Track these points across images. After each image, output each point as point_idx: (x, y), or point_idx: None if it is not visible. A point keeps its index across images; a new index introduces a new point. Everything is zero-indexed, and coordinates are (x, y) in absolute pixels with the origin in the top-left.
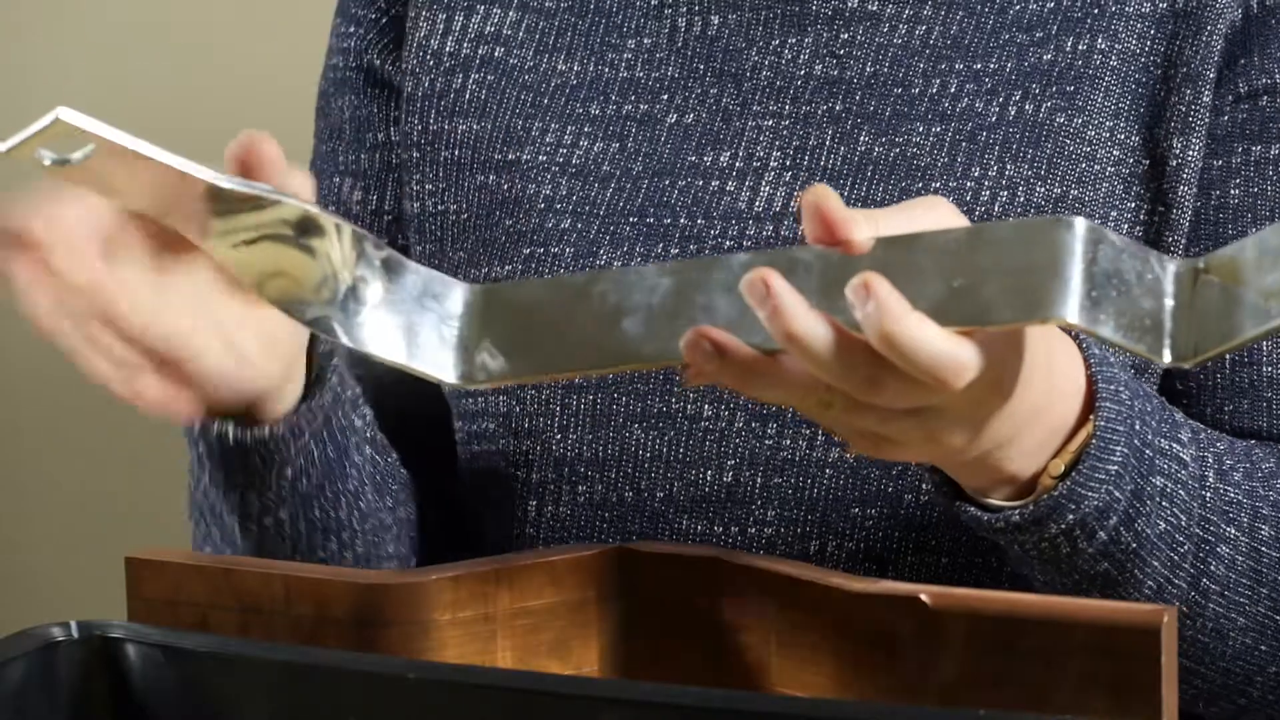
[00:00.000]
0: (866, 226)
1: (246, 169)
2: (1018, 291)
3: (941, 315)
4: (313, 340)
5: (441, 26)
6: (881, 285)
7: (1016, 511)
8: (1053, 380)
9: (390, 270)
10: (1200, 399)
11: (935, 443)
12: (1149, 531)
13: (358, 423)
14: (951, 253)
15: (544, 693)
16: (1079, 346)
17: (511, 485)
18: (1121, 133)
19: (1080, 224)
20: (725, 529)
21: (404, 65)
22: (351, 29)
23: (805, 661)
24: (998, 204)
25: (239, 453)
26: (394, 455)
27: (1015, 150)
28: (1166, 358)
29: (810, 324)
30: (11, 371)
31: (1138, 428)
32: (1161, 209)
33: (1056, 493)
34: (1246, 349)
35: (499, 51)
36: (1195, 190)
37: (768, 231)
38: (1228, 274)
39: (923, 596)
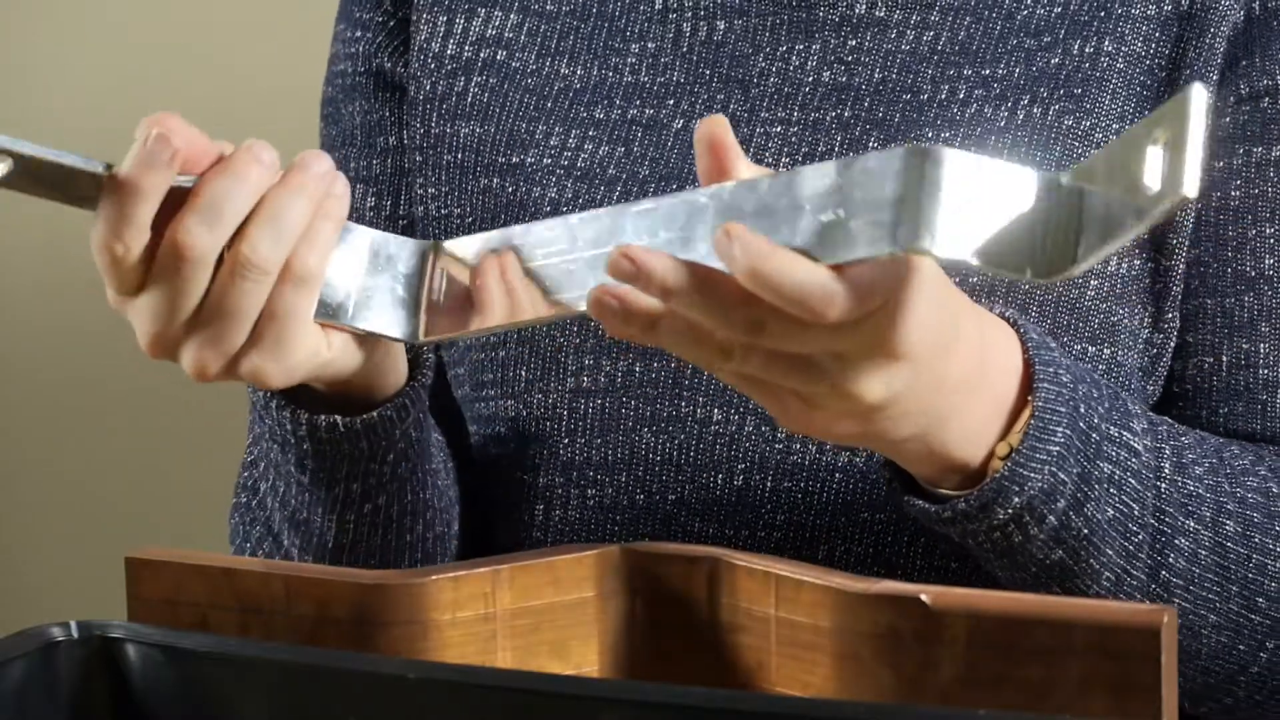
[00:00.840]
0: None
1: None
2: (880, 224)
3: (812, 250)
4: None
5: (443, 29)
6: (741, 229)
7: (962, 499)
8: (985, 354)
9: (341, 236)
10: (1196, 401)
11: (848, 398)
12: (1099, 517)
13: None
14: (822, 190)
15: (544, 693)
16: (1015, 329)
17: (520, 489)
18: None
19: (941, 153)
20: (735, 533)
21: (409, 68)
22: (358, 34)
23: (805, 661)
24: None
25: (349, 439)
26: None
27: (1024, 154)
28: (1028, 275)
29: (678, 272)
30: (11, 371)
31: (1082, 410)
32: None
33: (999, 475)
34: (1244, 353)
35: (501, 55)
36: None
37: None
38: (1088, 183)
39: (923, 596)
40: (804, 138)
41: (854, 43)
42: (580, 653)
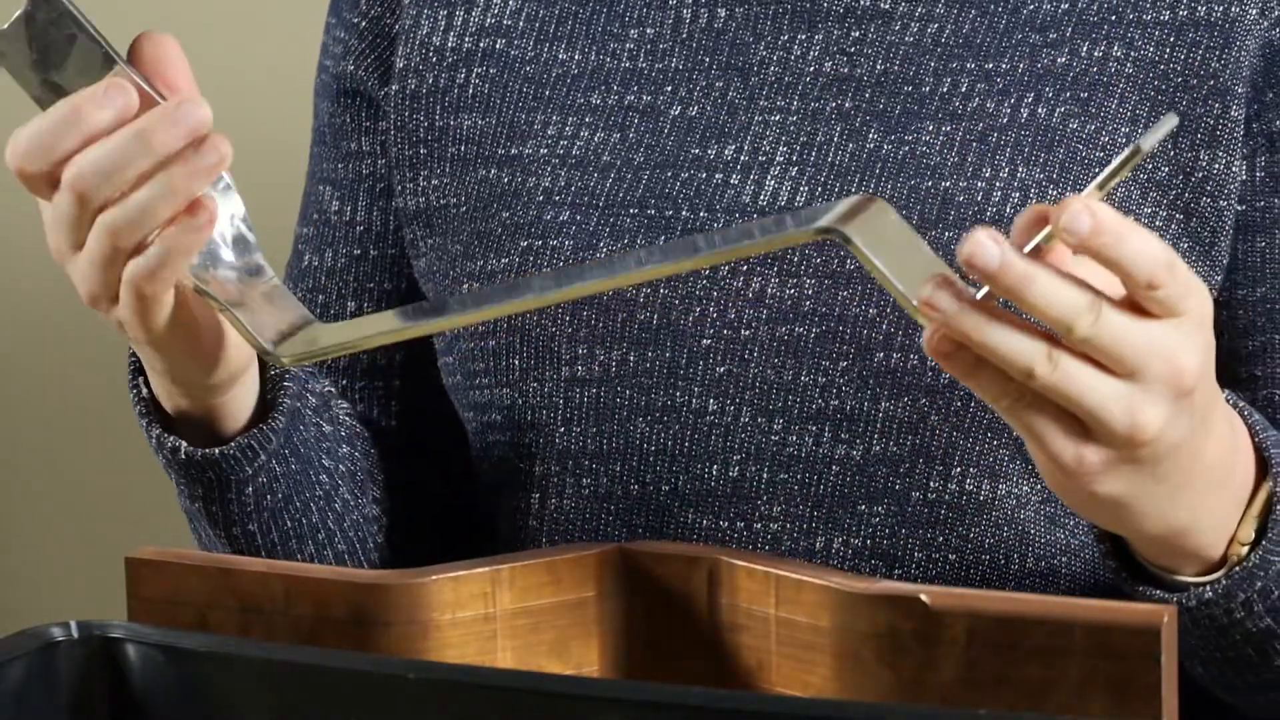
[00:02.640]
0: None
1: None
2: (815, 215)
3: (751, 235)
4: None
5: (443, 23)
6: (1099, 206)
7: (1208, 588)
8: (1235, 439)
9: (239, 249)
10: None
11: (1132, 429)
12: None
13: (326, 428)
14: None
15: (544, 693)
16: (1242, 415)
17: (516, 477)
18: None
19: (888, 207)
20: (731, 524)
21: (404, 64)
22: (340, 34)
23: (805, 661)
24: (1009, 206)
25: (193, 468)
26: (375, 448)
27: (1028, 153)
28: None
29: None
30: (12, 371)
31: None
32: (1181, 217)
33: (1249, 562)
34: None
35: (500, 44)
36: (1223, 204)
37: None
38: None
39: (923, 596)
40: (803, 127)
41: (857, 34)
42: (580, 653)
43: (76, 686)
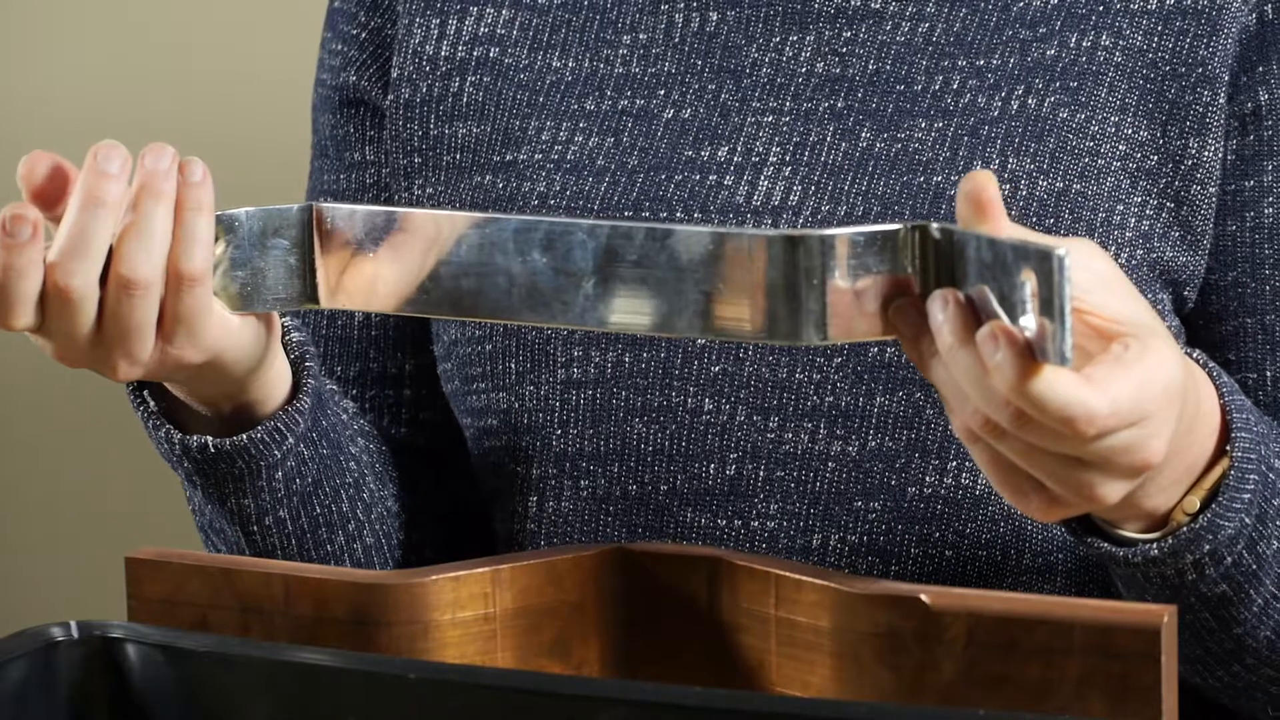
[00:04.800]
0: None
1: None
2: (758, 311)
3: (698, 328)
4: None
5: (436, 32)
6: (1009, 330)
7: (1154, 546)
8: (1197, 420)
9: (225, 228)
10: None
11: (1093, 501)
12: (1267, 551)
13: (344, 416)
14: (699, 258)
15: (544, 693)
16: (1210, 376)
17: (513, 481)
18: (1128, 128)
19: (811, 240)
20: (728, 522)
21: (398, 74)
22: (338, 46)
23: (805, 661)
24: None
25: (222, 460)
26: (385, 445)
27: (1017, 144)
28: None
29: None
30: (11, 371)
31: (1263, 451)
32: (1171, 205)
33: (1197, 525)
34: None
35: (494, 52)
36: (1211, 190)
37: (766, 225)
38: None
39: (923, 596)
40: (795, 128)
41: (849, 34)
42: (580, 653)
43: (76, 686)
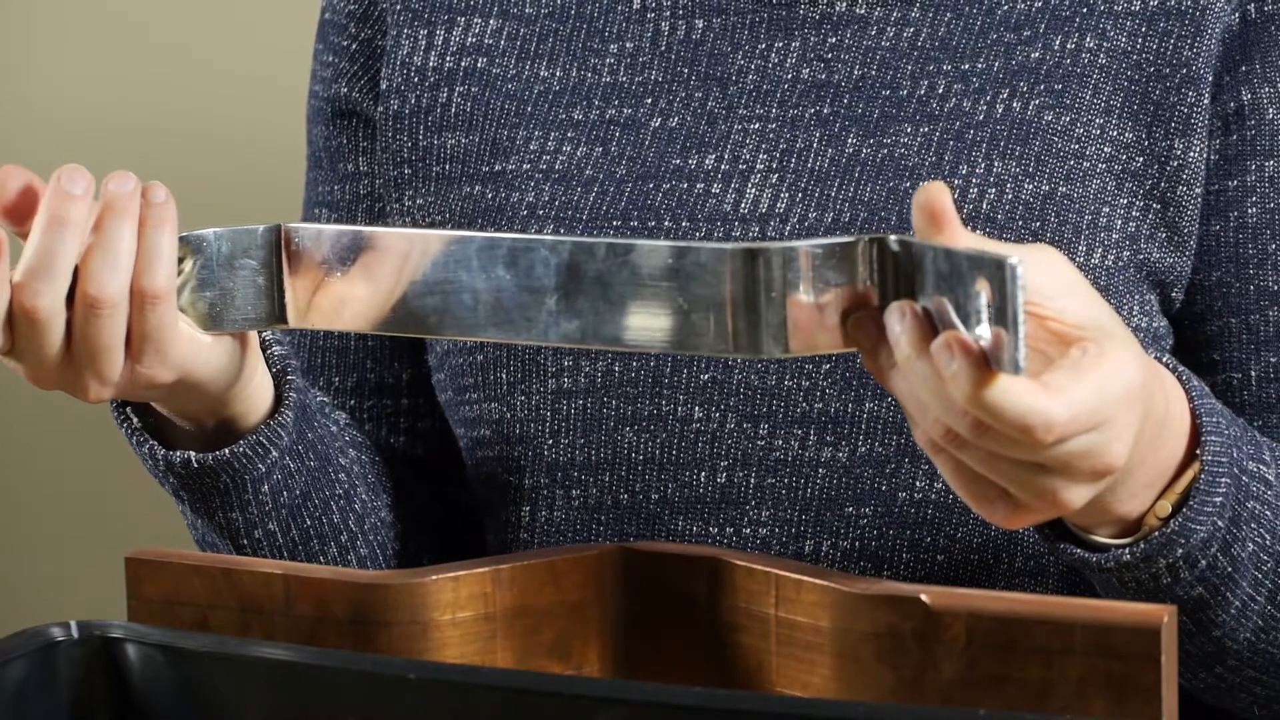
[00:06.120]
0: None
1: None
2: (723, 326)
3: (664, 340)
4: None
5: (424, 43)
6: (964, 341)
7: (1126, 551)
8: (1166, 425)
9: (193, 249)
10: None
11: (1058, 506)
12: (1242, 554)
13: (333, 428)
14: (659, 269)
15: (544, 693)
16: (1179, 379)
17: (506, 490)
18: (1113, 129)
19: (771, 252)
20: (720, 530)
21: (387, 85)
22: (329, 58)
23: (805, 661)
24: (985, 201)
25: (207, 475)
26: (378, 455)
27: (1003, 148)
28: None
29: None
30: (11, 371)
31: (1235, 455)
32: (1157, 206)
33: (1169, 529)
34: (1273, 366)
35: (482, 62)
36: (1197, 190)
37: (754, 233)
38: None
39: (923, 596)
40: (782, 134)
41: (834, 40)
42: (580, 653)
43: (76, 686)
